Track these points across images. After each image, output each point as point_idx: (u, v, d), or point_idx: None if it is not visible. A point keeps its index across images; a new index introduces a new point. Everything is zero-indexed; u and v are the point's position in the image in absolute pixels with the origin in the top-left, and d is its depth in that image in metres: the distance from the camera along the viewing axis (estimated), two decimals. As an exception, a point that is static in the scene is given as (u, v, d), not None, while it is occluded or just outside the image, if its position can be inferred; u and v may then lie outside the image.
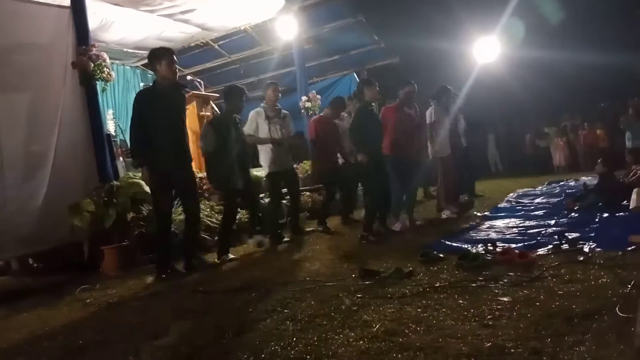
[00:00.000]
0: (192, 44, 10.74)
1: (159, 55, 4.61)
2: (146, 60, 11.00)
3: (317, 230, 6.46)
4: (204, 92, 8.34)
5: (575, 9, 14.90)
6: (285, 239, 5.94)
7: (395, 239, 5.48)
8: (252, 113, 6.01)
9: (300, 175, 8.55)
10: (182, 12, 8.92)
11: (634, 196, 2.49)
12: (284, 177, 6.12)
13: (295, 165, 8.36)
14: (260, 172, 6.72)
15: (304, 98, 9.83)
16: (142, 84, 11.17)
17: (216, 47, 11.46)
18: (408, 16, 14.13)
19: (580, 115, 14.56)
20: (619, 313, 2.45)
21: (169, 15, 8.90)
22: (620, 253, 3.65)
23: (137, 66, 11.71)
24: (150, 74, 12.09)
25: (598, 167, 6.50)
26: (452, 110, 7.26)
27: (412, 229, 6.04)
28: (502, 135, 15.59)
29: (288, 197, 6.43)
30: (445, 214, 6.67)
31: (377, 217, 5.74)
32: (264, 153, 6.03)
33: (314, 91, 10.23)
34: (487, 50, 11.91)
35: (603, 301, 2.69)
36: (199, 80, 8.66)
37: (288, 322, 2.87)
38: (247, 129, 5.89)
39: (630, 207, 2.31)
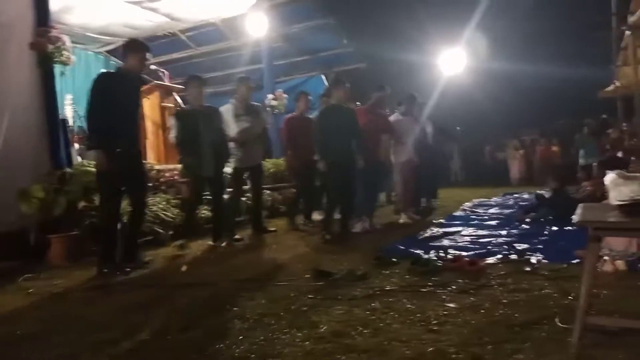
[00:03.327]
0: (159, 33, 10.51)
1: (135, 48, 4.67)
2: (110, 47, 10.92)
3: (287, 228, 6.53)
4: (167, 83, 8.18)
5: (539, 26, 15.41)
6: (237, 237, 5.83)
7: (354, 241, 5.52)
8: (226, 107, 5.97)
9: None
10: (150, 0, 8.74)
11: (579, 211, 2.56)
12: (249, 173, 6.10)
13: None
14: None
15: (270, 96, 9.79)
16: (103, 71, 10.86)
17: (183, 38, 11.27)
18: (378, 24, 14.29)
19: (538, 130, 15.06)
20: (559, 323, 2.54)
21: (137, 3, 8.70)
22: (565, 265, 3.77)
23: (100, 52, 11.38)
24: (113, 61, 11.79)
25: (550, 181, 6.73)
26: (418, 117, 7.39)
27: (372, 232, 6.10)
28: (464, 145, 15.94)
29: (250, 194, 6.39)
30: (402, 219, 6.77)
31: (337, 218, 5.79)
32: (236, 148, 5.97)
33: (280, 90, 10.20)
34: (453, 62, 12.17)
35: (545, 311, 2.77)
36: (162, 70, 8.49)
37: (236, 320, 2.84)
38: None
39: (574, 221, 2.39)
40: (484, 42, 13.89)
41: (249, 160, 6.03)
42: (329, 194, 6.00)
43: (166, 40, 11.01)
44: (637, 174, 2.93)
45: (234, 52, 11.80)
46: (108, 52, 11.43)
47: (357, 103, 6.81)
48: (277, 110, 9.83)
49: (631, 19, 5.80)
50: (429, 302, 3.04)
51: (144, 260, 4.76)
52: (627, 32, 6.46)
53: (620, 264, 3.64)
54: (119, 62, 11.67)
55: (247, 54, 11.31)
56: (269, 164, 8.50)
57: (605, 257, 3.72)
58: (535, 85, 15.60)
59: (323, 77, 12.61)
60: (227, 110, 5.94)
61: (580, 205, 2.77)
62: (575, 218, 2.44)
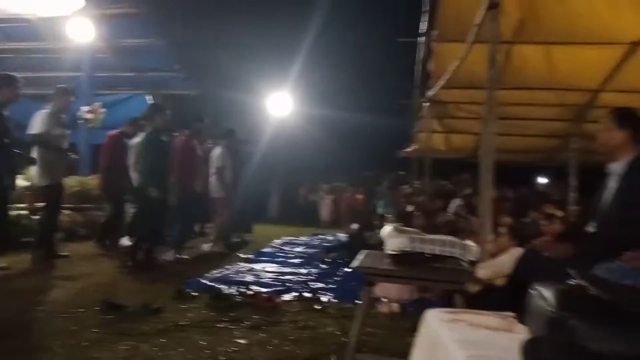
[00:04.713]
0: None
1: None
2: None
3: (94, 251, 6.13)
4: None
5: (356, 83, 17.21)
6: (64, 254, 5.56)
7: (158, 272, 5.30)
8: (44, 113, 5.42)
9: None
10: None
11: (359, 256, 2.90)
12: (58, 191, 5.64)
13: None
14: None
15: (84, 108, 9.04)
16: None
17: (-11, 29, 9.94)
18: (213, 56, 14.34)
19: (348, 178, 16.46)
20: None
21: None
22: (351, 305, 4.15)
23: None
24: None
25: (350, 226, 7.41)
26: (238, 152, 7.56)
27: (178, 262, 5.97)
28: (283, 184, 16.63)
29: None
30: (206, 248, 6.86)
31: (144, 246, 5.56)
32: (45, 161, 5.39)
33: (98, 103, 9.50)
34: (280, 105, 12.80)
35: (324, 348, 3.03)
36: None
37: None
38: (37, 128, 5.28)
39: (350, 266, 2.71)
40: (306, 89, 14.91)
41: (60, 176, 5.63)
42: (141, 220, 5.76)
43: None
44: (409, 229, 3.43)
45: (50, 54, 10.75)
46: None
47: (175, 133, 6.73)
48: (91, 125, 9.10)
49: (428, 93, 6.79)
50: (220, 337, 3.09)
51: None
52: (424, 104, 7.52)
53: (395, 307, 4.15)
54: None
55: (66, 59, 10.40)
56: (73, 182, 7.80)
57: (383, 299, 4.22)
58: (350, 138, 17.35)
59: (149, 97, 12.11)
60: (51, 116, 5.44)
61: (363, 251, 3.14)
62: (353, 263, 2.76)
